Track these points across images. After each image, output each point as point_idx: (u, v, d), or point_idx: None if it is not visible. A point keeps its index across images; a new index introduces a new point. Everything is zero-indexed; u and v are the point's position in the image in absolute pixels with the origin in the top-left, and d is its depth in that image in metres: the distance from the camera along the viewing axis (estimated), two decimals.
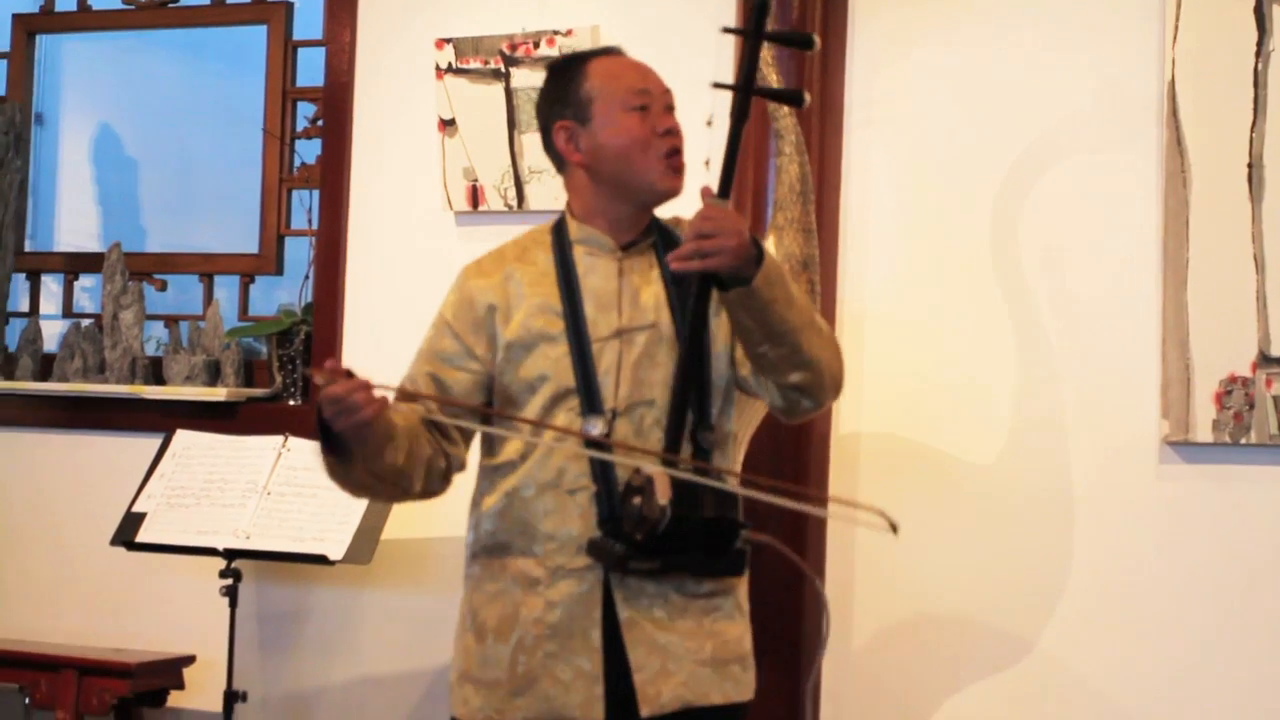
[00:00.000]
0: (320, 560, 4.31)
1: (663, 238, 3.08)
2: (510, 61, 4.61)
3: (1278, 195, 3.94)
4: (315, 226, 5.02)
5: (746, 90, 2.95)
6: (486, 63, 4.64)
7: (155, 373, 5.15)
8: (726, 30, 3.15)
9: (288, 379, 4.96)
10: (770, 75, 3.89)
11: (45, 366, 5.28)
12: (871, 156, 4.35)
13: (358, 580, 4.73)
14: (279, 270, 5.23)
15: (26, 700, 4.65)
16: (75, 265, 5.50)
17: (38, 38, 5.65)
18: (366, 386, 2.80)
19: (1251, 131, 3.97)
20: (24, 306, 5.51)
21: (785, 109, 3.89)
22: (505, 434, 3.03)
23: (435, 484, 3.06)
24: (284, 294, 5.24)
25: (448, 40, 4.68)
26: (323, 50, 5.05)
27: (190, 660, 4.77)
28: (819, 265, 3.97)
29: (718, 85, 2.99)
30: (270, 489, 4.47)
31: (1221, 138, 3.98)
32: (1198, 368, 3.96)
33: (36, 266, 5.54)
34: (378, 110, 4.92)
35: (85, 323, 5.28)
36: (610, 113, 3.01)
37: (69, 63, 5.77)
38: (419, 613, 4.69)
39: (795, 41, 3.28)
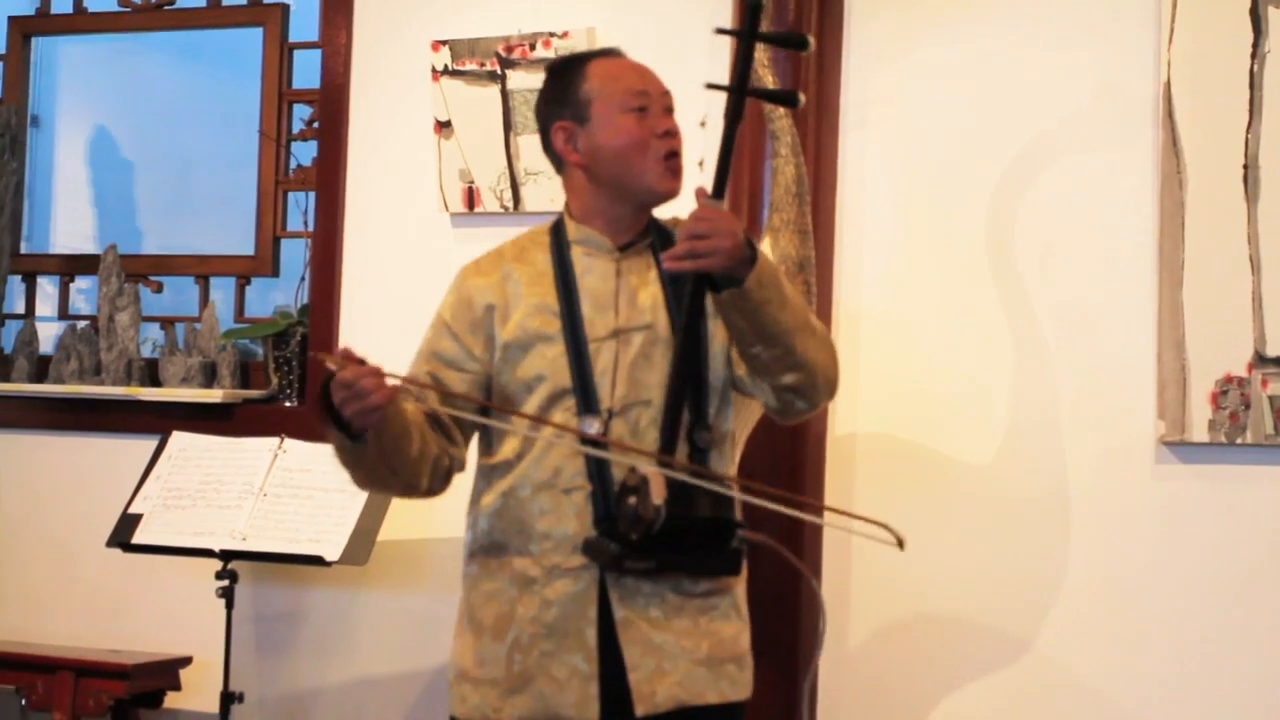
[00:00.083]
0: (316, 561, 4.31)
1: (660, 238, 3.09)
2: (506, 63, 4.61)
3: (1273, 196, 3.94)
4: (311, 228, 5.02)
5: (740, 91, 2.96)
6: (482, 65, 4.65)
7: (151, 374, 5.15)
8: (720, 31, 3.15)
9: (284, 380, 4.96)
10: (766, 77, 3.89)
11: (41, 368, 5.28)
12: (867, 158, 4.35)
13: (354, 581, 4.73)
14: (275, 272, 5.22)
15: (23, 702, 4.65)
16: (71, 267, 5.50)
17: (33, 40, 5.65)
18: (377, 373, 2.80)
19: (1247, 133, 3.97)
20: (20, 308, 5.51)
21: (781, 110, 3.89)
22: (506, 428, 3.03)
23: (438, 483, 3.07)
24: (280, 296, 5.24)
25: (444, 42, 4.68)
26: (319, 52, 5.05)
27: (187, 661, 4.77)
28: (815, 266, 3.97)
29: (712, 86, 2.99)
30: (266, 490, 4.47)
31: (1217, 139, 3.98)
32: (1194, 368, 3.97)
33: (32, 268, 5.54)
34: (374, 112, 4.92)
35: (81, 324, 5.28)
36: (609, 114, 3.02)
37: (64, 65, 5.77)
38: (415, 614, 4.69)
39: (789, 42, 3.28)
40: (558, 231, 3.12)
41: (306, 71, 5.17)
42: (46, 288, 5.58)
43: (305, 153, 5.14)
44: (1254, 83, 3.98)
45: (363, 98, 4.93)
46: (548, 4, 4.62)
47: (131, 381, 5.10)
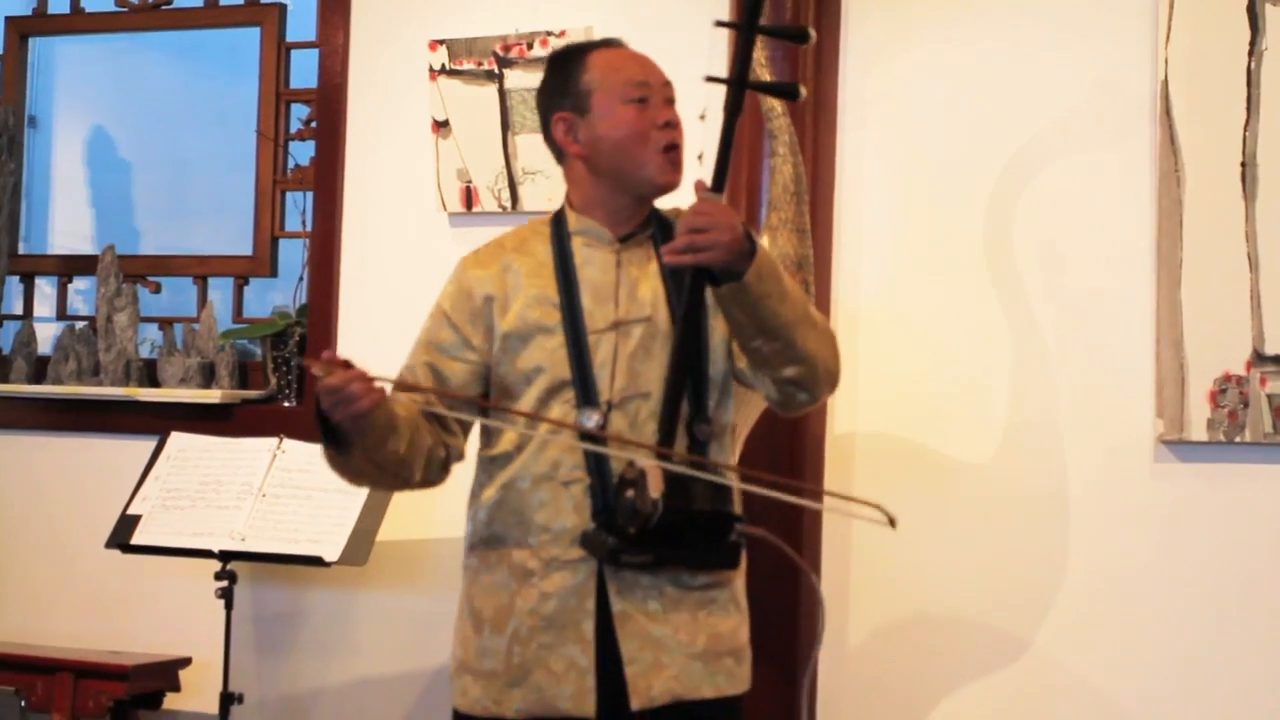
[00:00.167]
0: (316, 562, 4.30)
1: (661, 229, 3.08)
2: (504, 63, 4.61)
3: (1271, 194, 3.94)
4: (309, 228, 5.01)
5: (740, 84, 2.95)
6: (480, 64, 4.64)
7: (149, 375, 5.15)
8: (720, 24, 3.16)
9: (282, 381, 4.96)
10: (764, 76, 3.89)
11: (39, 369, 5.27)
12: (865, 156, 4.35)
13: (353, 582, 4.73)
14: (273, 272, 5.22)
15: (22, 703, 4.64)
16: (69, 268, 5.50)
17: (30, 40, 5.64)
18: (364, 377, 2.81)
19: (1245, 130, 3.97)
20: (18, 309, 5.51)
21: (779, 110, 3.89)
22: (501, 425, 3.03)
23: (435, 474, 3.07)
24: (278, 296, 5.24)
25: (441, 42, 4.68)
26: (316, 52, 5.04)
27: (186, 662, 4.77)
28: (813, 265, 3.97)
29: (711, 79, 2.99)
30: (265, 491, 4.47)
31: (1215, 137, 3.98)
32: (1192, 366, 3.97)
33: (30, 269, 5.54)
34: (371, 112, 4.92)
35: (79, 325, 5.28)
36: (609, 105, 3.02)
37: (62, 65, 5.76)
38: (415, 613, 4.69)
39: (789, 35, 3.27)
40: (558, 222, 3.12)
41: (304, 71, 5.17)
42: (44, 288, 5.58)
43: (303, 153, 5.14)
44: (1251, 80, 3.98)
45: (360, 97, 4.93)
46: (545, 3, 4.62)
47: (130, 382, 5.10)
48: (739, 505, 2.98)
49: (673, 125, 3.04)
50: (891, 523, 2.76)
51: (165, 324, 5.29)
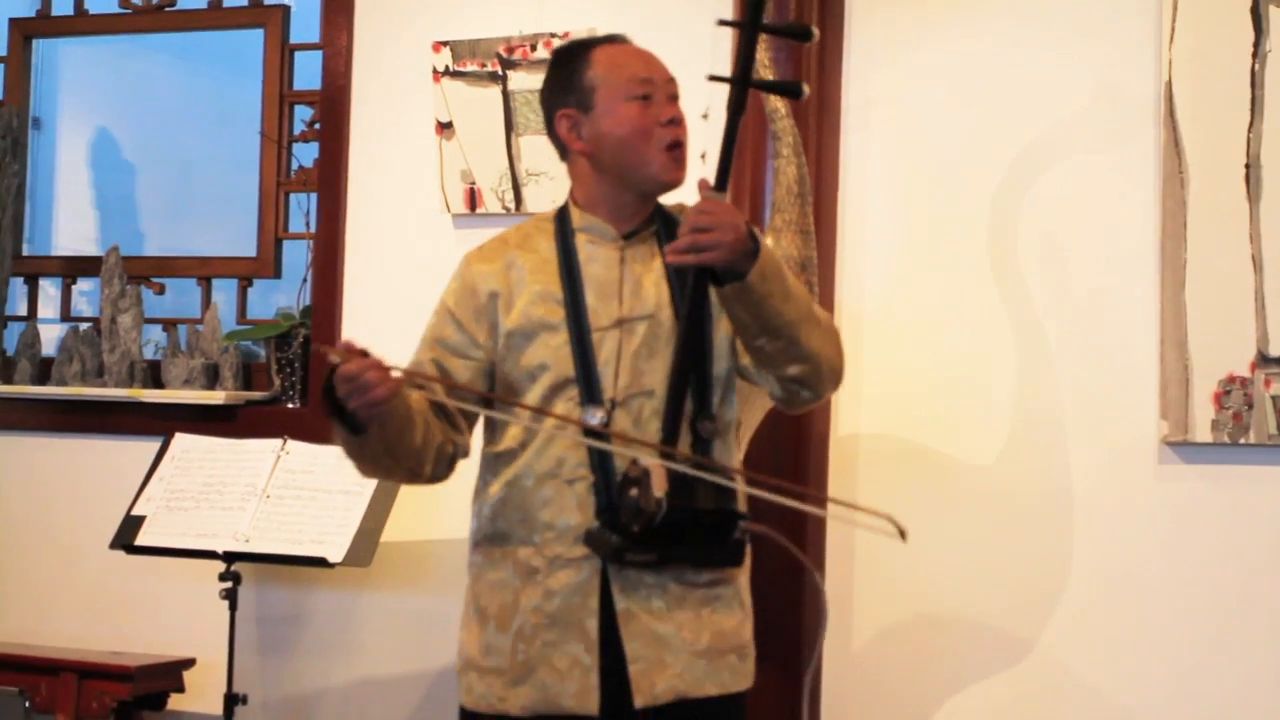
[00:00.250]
0: (320, 563, 4.30)
1: (665, 225, 3.07)
2: (507, 64, 4.61)
3: (1275, 195, 3.94)
4: (313, 230, 5.02)
5: (743, 82, 2.95)
6: (484, 65, 4.65)
7: (153, 376, 5.15)
8: (723, 23, 3.16)
9: (286, 382, 4.96)
10: (768, 76, 3.89)
11: (43, 370, 5.28)
12: (869, 157, 4.35)
13: (357, 583, 4.73)
14: (277, 273, 5.22)
15: (26, 704, 4.65)
16: (73, 269, 5.50)
17: (34, 42, 5.65)
18: (380, 366, 2.80)
19: (1249, 132, 3.97)
20: (22, 310, 5.51)
21: (782, 110, 3.89)
22: (509, 419, 3.03)
23: (442, 469, 3.07)
24: (282, 297, 5.24)
25: (445, 43, 4.68)
26: (320, 54, 5.05)
27: (190, 663, 4.77)
28: (817, 267, 3.97)
29: (714, 78, 2.99)
30: (269, 492, 4.47)
31: (1219, 138, 3.98)
32: (1196, 368, 3.97)
33: (34, 270, 5.54)
34: (375, 113, 4.92)
35: (83, 326, 5.29)
36: (612, 102, 3.01)
37: (66, 67, 5.76)
38: (419, 614, 4.69)
39: (792, 33, 3.26)
40: (562, 219, 3.11)
41: (307, 73, 5.17)
42: (49, 290, 5.58)
43: (307, 154, 5.14)
44: (1255, 82, 3.98)
45: (364, 99, 4.93)
46: (549, 5, 4.62)
47: (134, 383, 5.10)
48: (743, 502, 2.98)
49: (676, 122, 3.03)
50: (902, 535, 2.74)
51: (169, 325, 5.30)
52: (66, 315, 5.49)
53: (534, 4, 4.64)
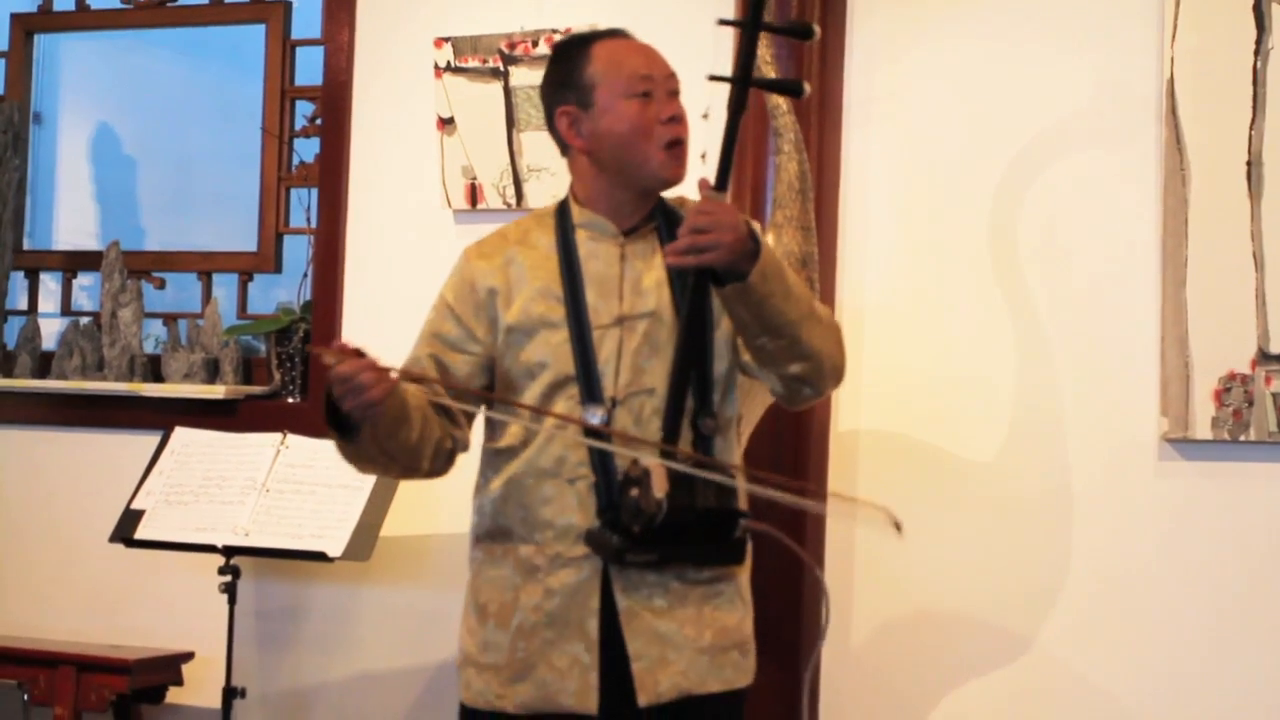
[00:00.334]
0: (319, 557, 4.31)
1: (666, 220, 3.06)
2: (509, 60, 4.61)
3: (1277, 193, 3.94)
4: (314, 225, 5.02)
5: (744, 82, 2.93)
6: (485, 61, 4.65)
7: (154, 370, 5.15)
8: (723, 22, 3.14)
9: (286, 377, 4.96)
10: (769, 74, 3.89)
11: (44, 364, 5.28)
12: (870, 154, 4.35)
13: (356, 577, 4.73)
14: (277, 268, 5.22)
15: (25, 697, 4.65)
16: (74, 263, 5.50)
17: (36, 37, 5.64)
18: (375, 366, 2.80)
19: (1251, 129, 3.97)
20: (22, 304, 5.51)
21: (784, 107, 3.89)
22: (507, 419, 3.03)
23: (440, 464, 3.07)
24: (282, 292, 5.24)
25: (446, 39, 4.68)
26: (321, 49, 5.05)
27: (189, 657, 4.77)
28: (818, 263, 3.97)
29: (714, 78, 2.97)
30: (269, 486, 4.47)
31: (1221, 135, 3.99)
32: (1197, 365, 3.97)
33: (35, 265, 5.54)
34: (376, 109, 4.92)
35: (84, 321, 5.28)
36: (612, 100, 2.99)
37: (67, 62, 5.77)
38: (418, 609, 4.69)
39: (794, 31, 3.25)
40: (562, 214, 3.10)
41: (309, 68, 5.17)
42: (49, 284, 5.58)
43: (308, 149, 5.14)
44: (1257, 79, 3.98)
45: (365, 94, 4.93)
46: (550, 1, 4.62)
47: (134, 378, 5.10)
48: (744, 500, 2.98)
49: (677, 120, 3.02)
50: (897, 527, 2.75)
51: (170, 320, 5.29)
52: (67, 309, 5.49)
53: (535, 0, 4.64)
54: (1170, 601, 4.03)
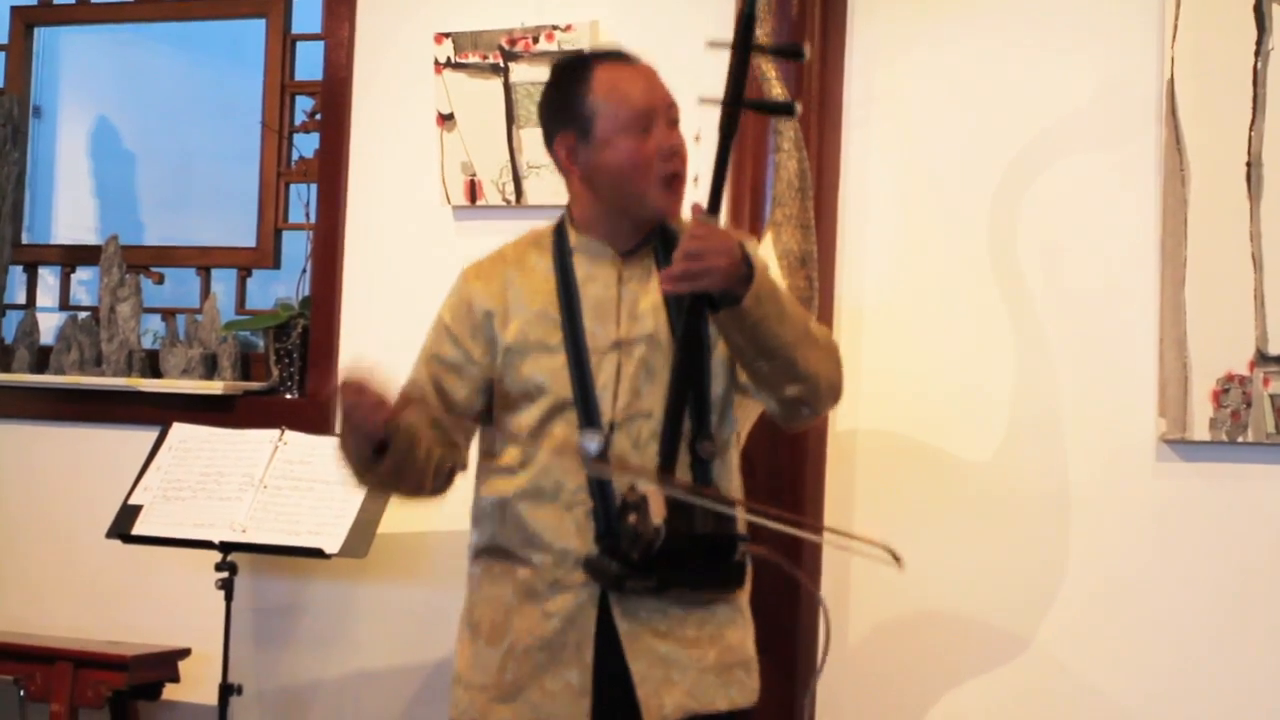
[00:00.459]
0: (316, 554, 4.31)
1: (663, 241, 3.04)
2: (509, 56, 4.61)
3: (1276, 194, 3.94)
4: (313, 220, 5.02)
5: (735, 104, 2.91)
6: (485, 57, 4.64)
7: (152, 365, 5.15)
8: (713, 44, 3.03)
9: (284, 373, 4.96)
10: (769, 72, 3.88)
11: (42, 359, 5.27)
12: (870, 154, 4.35)
13: (354, 574, 4.72)
14: (276, 264, 5.22)
15: (21, 692, 4.64)
16: (72, 258, 5.50)
17: (36, 30, 5.64)
18: (374, 397, 2.85)
19: (1250, 130, 3.97)
20: (20, 299, 5.51)
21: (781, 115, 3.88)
22: (508, 443, 3.03)
23: (441, 483, 3.09)
24: (281, 288, 5.24)
25: (446, 35, 4.67)
26: (321, 44, 5.04)
27: (186, 653, 4.77)
28: (817, 262, 3.97)
29: (705, 100, 2.91)
30: (267, 482, 4.47)
31: (1220, 136, 3.98)
32: (1195, 366, 3.96)
33: (33, 259, 5.53)
34: (376, 104, 4.91)
35: (82, 315, 5.28)
36: (612, 133, 2.96)
37: (67, 56, 5.76)
38: (415, 607, 4.69)
39: (785, 53, 3.24)
40: (559, 236, 3.09)
41: (309, 63, 5.16)
42: (48, 278, 5.58)
43: (307, 145, 5.14)
44: (1257, 80, 3.97)
45: (365, 90, 4.93)
46: None
47: (132, 373, 5.10)
48: (741, 523, 2.98)
49: (675, 153, 3.00)
50: (898, 561, 2.75)
51: (168, 315, 5.29)
52: (65, 304, 5.49)
53: None
54: (1168, 602, 4.02)
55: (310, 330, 4.93)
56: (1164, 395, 3.99)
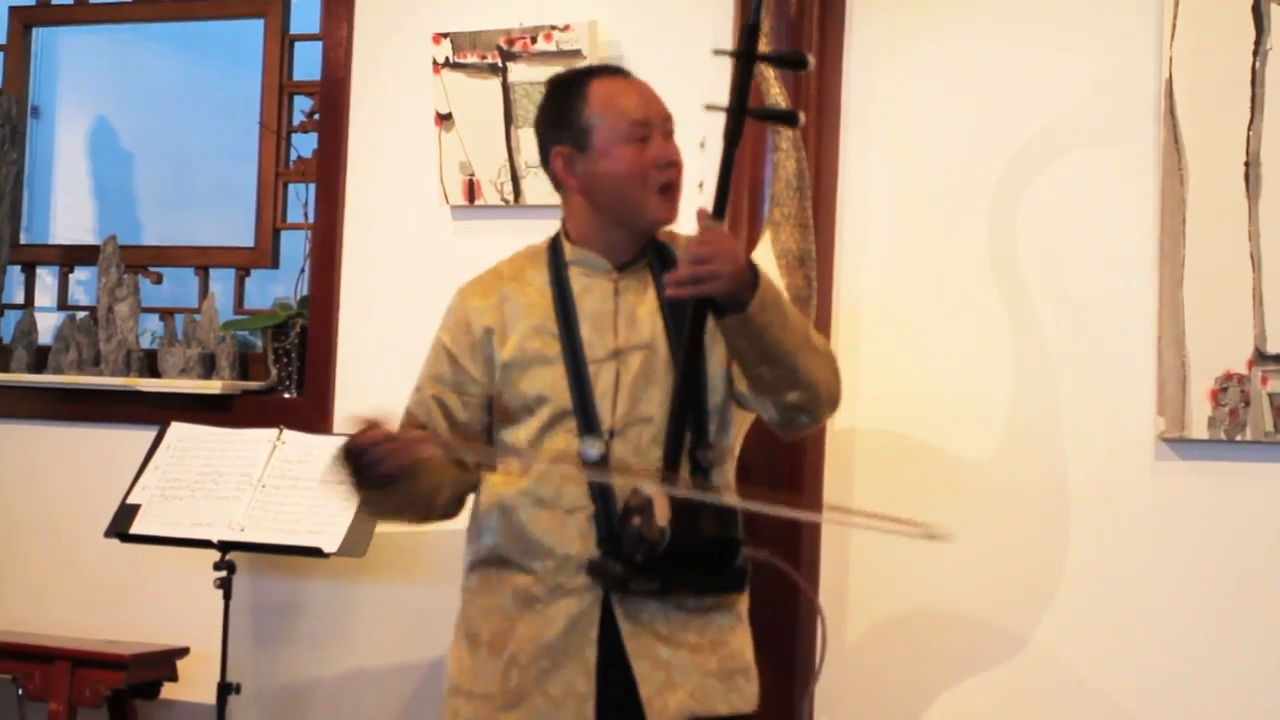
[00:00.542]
0: (315, 553, 4.31)
1: (658, 255, 3.07)
2: (507, 56, 4.61)
3: (1274, 193, 3.94)
4: (311, 220, 5.02)
5: (739, 112, 2.93)
6: (484, 57, 4.64)
7: (150, 365, 5.15)
8: (718, 52, 3.10)
9: (283, 372, 4.96)
10: (767, 72, 3.88)
11: (40, 358, 5.27)
12: (869, 154, 4.35)
13: (352, 573, 4.72)
14: (274, 264, 5.22)
15: (19, 691, 4.64)
16: (70, 258, 5.50)
17: (34, 30, 5.64)
18: (391, 439, 2.88)
19: (1249, 130, 3.97)
20: (19, 299, 5.51)
21: (782, 104, 3.88)
22: (516, 460, 3.03)
23: (452, 507, 3.13)
24: (279, 287, 5.24)
25: (445, 35, 4.67)
26: (320, 44, 5.04)
27: (184, 652, 4.77)
28: (815, 261, 3.97)
29: (710, 107, 2.95)
30: (265, 481, 4.47)
31: (1219, 136, 3.98)
32: (1194, 365, 3.97)
33: (32, 259, 5.53)
34: (374, 104, 4.91)
35: (80, 315, 5.28)
36: (609, 144, 2.99)
37: (65, 56, 5.76)
38: (413, 606, 4.69)
39: (788, 62, 3.25)
40: (555, 251, 3.11)
41: (307, 63, 5.16)
42: (46, 278, 5.58)
43: (306, 145, 5.14)
44: (1256, 79, 3.98)
45: (363, 90, 4.93)
46: None
47: (130, 372, 5.10)
48: (740, 528, 2.98)
49: (672, 163, 3.02)
50: (936, 539, 2.74)
51: (166, 314, 5.29)
52: (63, 304, 5.49)
53: None
54: (1166, 601, 4.03)
55: (308, 330, 4.93)
56: (1162, 394, 4.00)
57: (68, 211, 5.74)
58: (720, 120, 2.93)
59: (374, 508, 3.07)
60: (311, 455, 4.46)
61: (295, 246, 5.14)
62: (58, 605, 5.12)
